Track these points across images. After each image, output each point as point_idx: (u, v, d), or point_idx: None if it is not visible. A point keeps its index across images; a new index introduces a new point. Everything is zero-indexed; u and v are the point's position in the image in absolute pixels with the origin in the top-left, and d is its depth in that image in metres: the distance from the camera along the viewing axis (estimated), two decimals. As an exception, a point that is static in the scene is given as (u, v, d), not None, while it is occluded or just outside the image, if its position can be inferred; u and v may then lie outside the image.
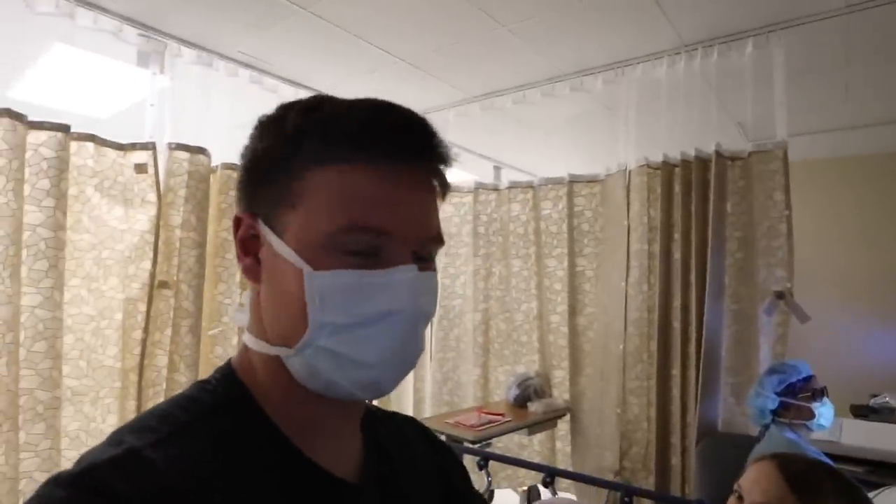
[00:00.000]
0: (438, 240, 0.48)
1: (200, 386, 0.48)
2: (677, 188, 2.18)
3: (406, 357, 0.46)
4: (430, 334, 2.85)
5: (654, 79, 2.27)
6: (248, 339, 0.49)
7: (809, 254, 3.28)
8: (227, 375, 0.49)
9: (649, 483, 2.14)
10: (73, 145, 1.89)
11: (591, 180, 2.51)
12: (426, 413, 2.80)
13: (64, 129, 1.82)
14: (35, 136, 1.78)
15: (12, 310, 1.66)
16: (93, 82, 2.50)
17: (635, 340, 2.23)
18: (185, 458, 0.40)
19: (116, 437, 0.41)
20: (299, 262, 0.43)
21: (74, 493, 0.36)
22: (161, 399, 1.97)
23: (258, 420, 0.46)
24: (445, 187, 0.50)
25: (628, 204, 2.28)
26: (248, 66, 2.47)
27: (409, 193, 0.45)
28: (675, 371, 2.16)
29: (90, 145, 1.94)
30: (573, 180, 2.54)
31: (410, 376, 2.93)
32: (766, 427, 1.73)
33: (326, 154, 0.44)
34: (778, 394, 1.69)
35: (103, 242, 1.97)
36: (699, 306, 2.09)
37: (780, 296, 1.94)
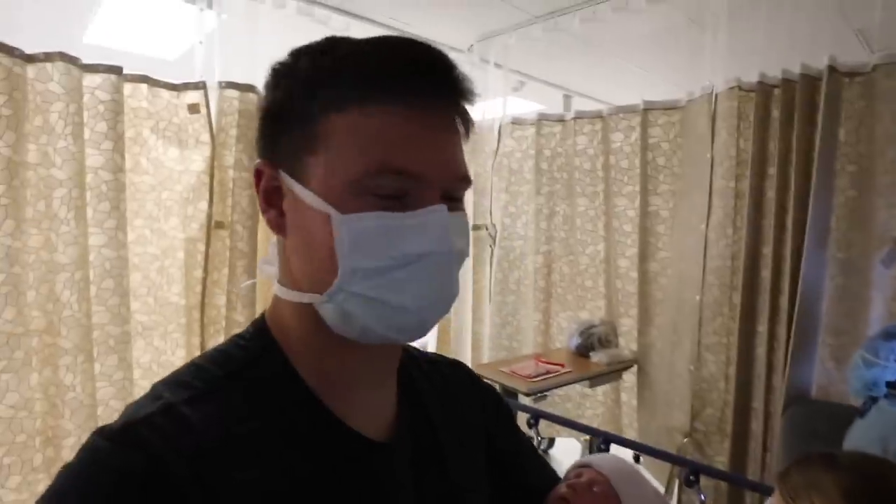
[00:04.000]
0: (466, 180, 0.46)
1: (235, 340, 0.49)
2: (775, 113, 1.84)
3: (443, 299, 0.45)
4: (490, 276, 2.74)
5: (754, -21, 1.88)
6: (279, 290, 0.48)
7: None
8: (261, 329, 0.49)
9: (724, 448, 1.96)
10: (127, 87, 1.90)
11: (670, 107, 2.20)
12: (484, 358, 2.74)
13: (117, 70, 1.82)
14: (90, 80, 1.79)
15: (79, 250, 1.74)
16: (150, 23, 2.51)
17: (715, 291, 1.98)
18: (217, 416, 0.42)
19: (155, 392, 0.43)
20: (325, 208, 0.42)
21: (114, 446, 0.39)
22: (221, 337, 2.06)
23: (288, 377, 0.46)
24: (468, 125, 0.47)
25: (713, 134, 1.97)
26: (296, -5, 2.35)
27: (434, 133, 0.44)
28: (762, 327, 1.90)
29: (144, 87, 1.95)
30: (648, 108, 2.23)
31: (469, 318, 2.87)
32: (874, 400, 1.47)
33: (346, 97, 0.42)
34: (898, 363, 1.42)
35: (162, 184, 2.02)
36: (795, 254, 1.79)
37: (901, 243, 1.61)
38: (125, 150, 1.87)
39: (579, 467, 0.67)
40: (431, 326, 0.46)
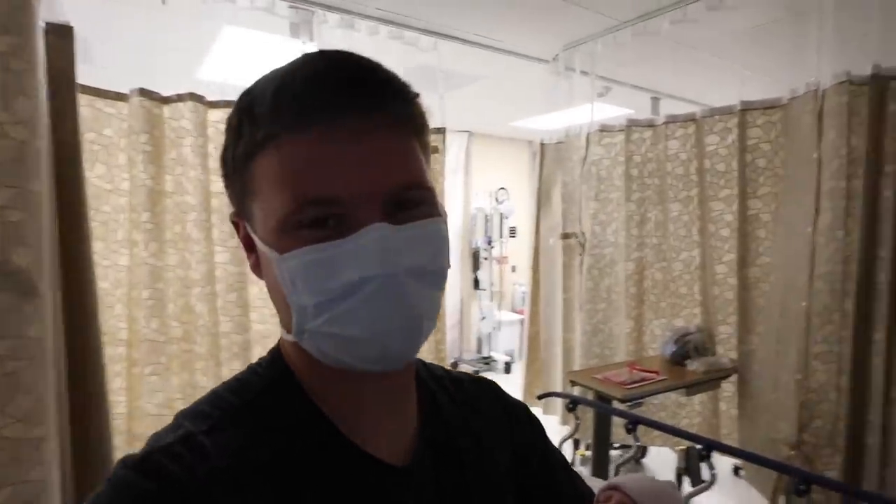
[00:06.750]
0: (415, 186, 0.43)
1: (252, 368, 0.49)
2: (893, 107, 1.72)
3: (403, 322, 0.42)
4: (580, 285, 2.75)
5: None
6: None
7: None
8: (275, 358, 0.49)
9: (835, 463, 1.85)
10: (243, 119, 2.12)
11: (770, 106, 2.10)
12: (575, 364, 2.74)
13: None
14: (214, 114, 2.02)
15: (208, 266, 1.97)
16: (259, 58, 2.75)
17: (824, 297, 1.87)
18: (234, 444, 0.42)
19: (176, 422, 0.44)
20: (267, 250, 0.43)
21: (137, 476, 0.39)
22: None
23: (302, 403, 0.46)
24: (413, 124, 0.44)
25: (820, 132, 1.86)
26: (387, 21, 2.48)
27: (352, 147, 0.40)
28: (879, 335, 1.78)
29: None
30: (746, 108, 2.14)
31: (559, 326, 2.88)
32: None
33: (260, 136, 0.41)
34: None
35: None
36: (918, 257, 1.67)
37: None
38: (242, 175, 2.08)
39: (608, 489, 0.65)
40: (402, 352, 0.43)
